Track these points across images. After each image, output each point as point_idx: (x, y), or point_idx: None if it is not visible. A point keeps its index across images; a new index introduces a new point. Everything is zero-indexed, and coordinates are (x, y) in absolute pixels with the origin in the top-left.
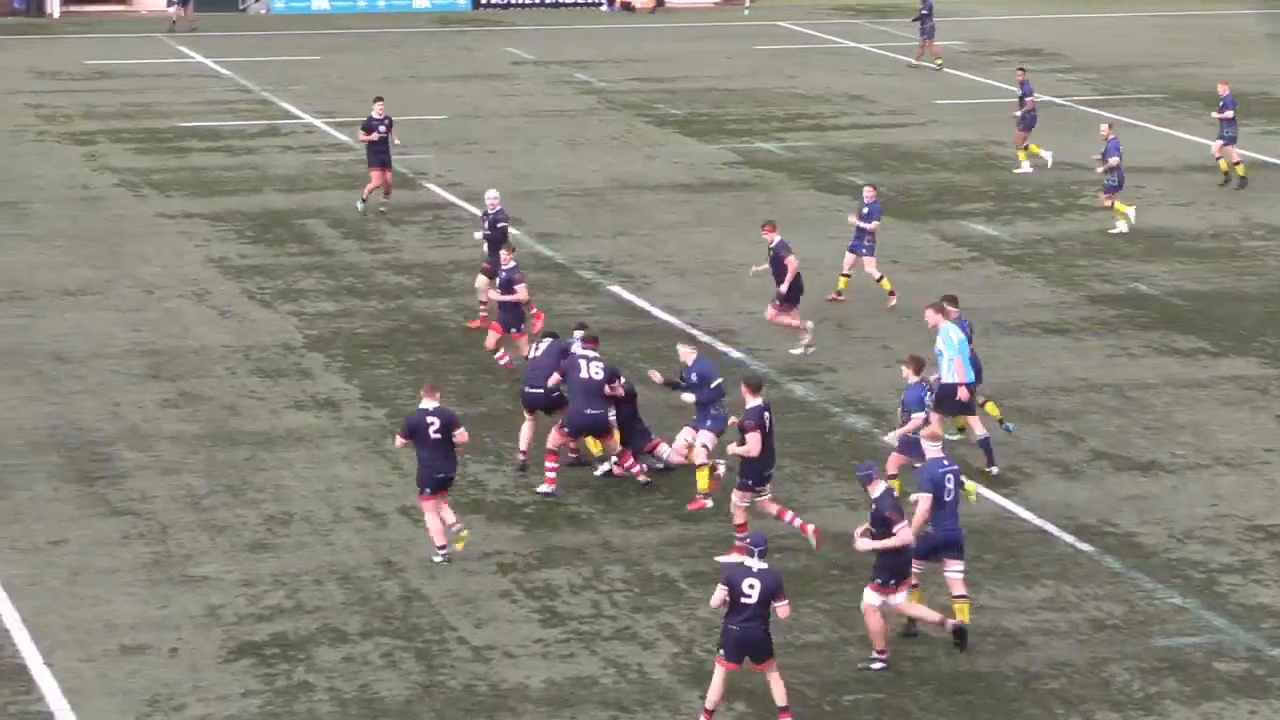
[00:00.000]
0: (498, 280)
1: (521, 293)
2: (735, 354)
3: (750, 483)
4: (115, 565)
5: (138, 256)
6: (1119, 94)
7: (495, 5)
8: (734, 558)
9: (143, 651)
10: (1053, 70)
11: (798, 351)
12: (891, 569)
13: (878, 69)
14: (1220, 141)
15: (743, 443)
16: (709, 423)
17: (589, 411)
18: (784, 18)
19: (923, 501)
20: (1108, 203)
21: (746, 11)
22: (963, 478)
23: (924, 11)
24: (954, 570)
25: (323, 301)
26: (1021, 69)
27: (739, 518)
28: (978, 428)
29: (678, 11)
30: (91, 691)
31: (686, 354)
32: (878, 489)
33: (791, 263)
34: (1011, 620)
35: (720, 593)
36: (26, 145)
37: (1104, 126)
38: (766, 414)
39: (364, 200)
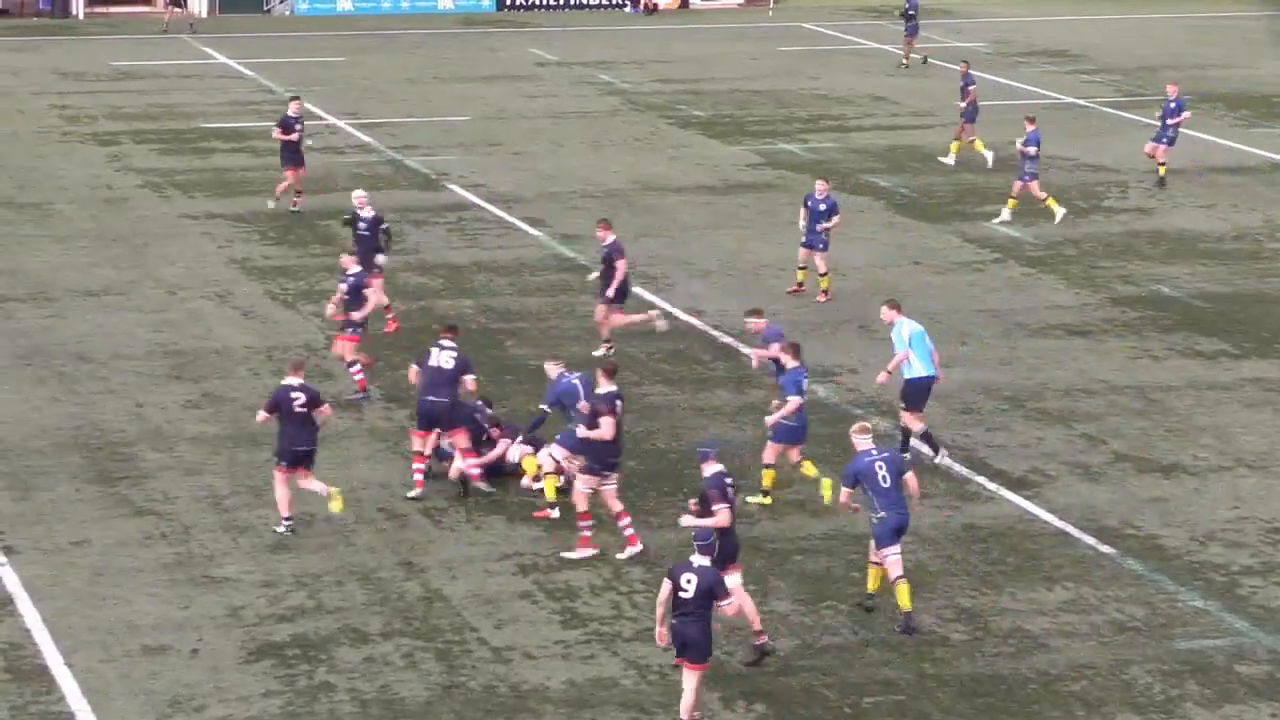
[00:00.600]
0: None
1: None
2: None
3: (597, 467)
4: (137, 566)
5: (161, 257)
6: (1142, 95)
7: (519, 6)
8: (585, 551)
9: (164, 652)
10: (1076, 72)
11: (599, 353)
12: (720, 550)
13: (901, 70)
14: (1154, 143)
15: (594, 426)
16: (562, 436)
17: (429, 399)
18: (808, 19)
19: (842, 494)
20: (1040, 192)
21: (770, 13)
22: (824, 479)
23: (909, 10)
24: (892, 554)
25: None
26: (965, 61)
27: (581, 505)
28: (915, 423)
29: (701, 13)
30: (113, 692)
31: (552, 370)
32: (710, 468)
33: (622, 265)
34: (1032, 622)
35: (665, 588)
36: (51, 146)
37: (1027, 122)
38: (619, 401)
39: (276, 199)
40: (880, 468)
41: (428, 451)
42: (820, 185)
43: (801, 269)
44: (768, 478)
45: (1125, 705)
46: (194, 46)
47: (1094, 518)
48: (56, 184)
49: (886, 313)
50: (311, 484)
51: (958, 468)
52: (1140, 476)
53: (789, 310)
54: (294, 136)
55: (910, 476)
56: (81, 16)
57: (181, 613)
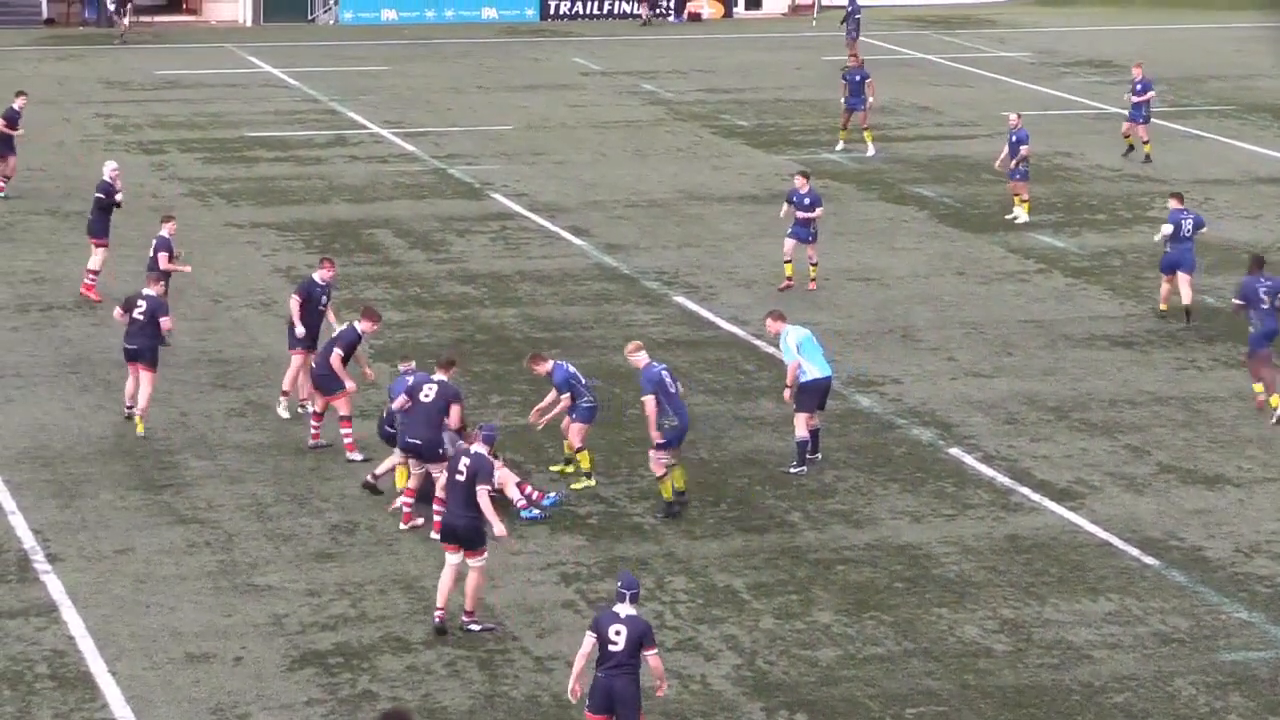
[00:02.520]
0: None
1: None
2: None
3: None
4: (181, 573)
5: (205, 265)
6: (1189, 105)
7: (563, 16)
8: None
9: (207, 660)
10: (1122, 82)
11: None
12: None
13: (945, 80)
14: (1131, 121)
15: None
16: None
17: (409, 438)
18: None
19: (649, 403)
20: (1023, 193)
21: (814, 23)
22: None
23: (849, 10)
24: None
25: (388, 311)
26: (854, 54)
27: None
28: (801, 427)
29: (744, 22)
30: (156, 700)
31: (640, 358)
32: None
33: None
34: (1075, 634)
35: (587, 641)
36: (96, 155)
37: (1012, 116)
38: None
39: None
40: (665, 374)
41: (412, 485)
42: (800, 180)
43: (787, 263)
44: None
45: (1169, 717)
46: (239, 56)
47: (1138, 529)
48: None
49: (771, 325)
50: (143, 389)
51: (1001, 478)
52: (1185, 488)
53: (831, 319)
54: (20, 133)
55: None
56: (127, 26)
57: (225, 620)
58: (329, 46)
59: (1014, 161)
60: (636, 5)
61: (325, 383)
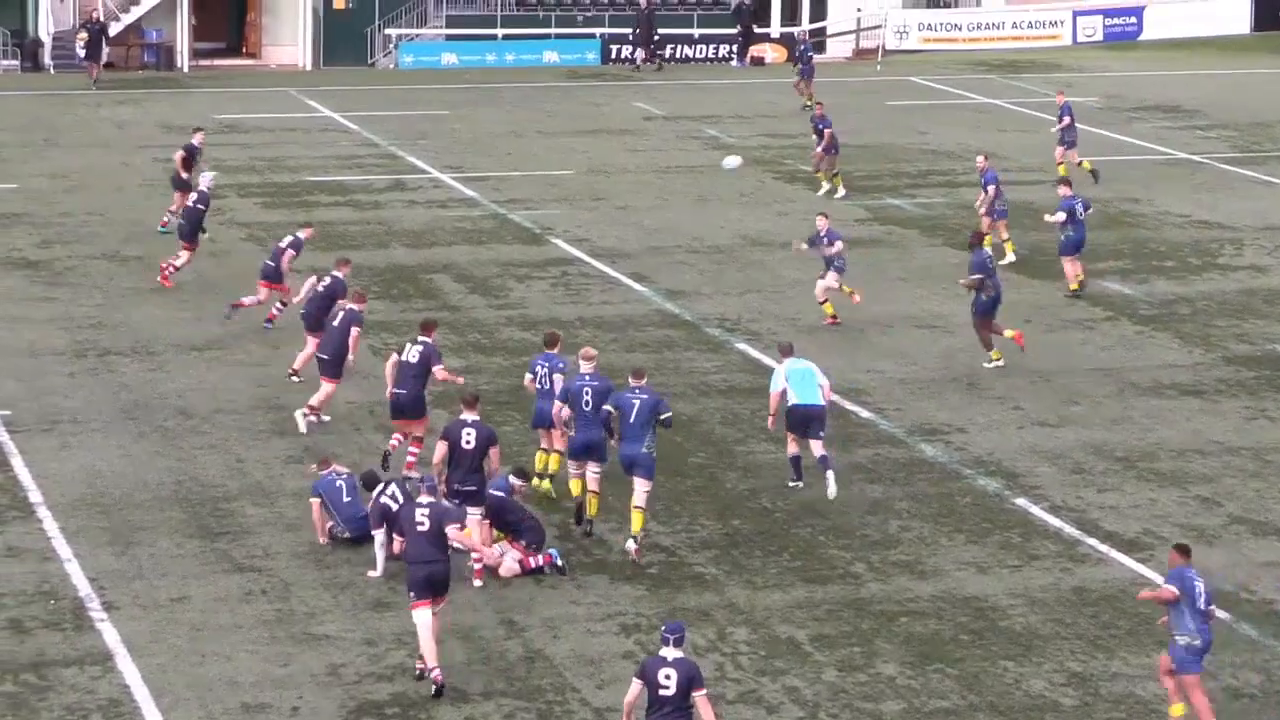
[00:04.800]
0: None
1: None
2: (864, 413)
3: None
4: (237, 622)
5: (263, 312)
6: (1258, 151)
7: (625, 60)
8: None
9: (264, 710)
10: (1191, 127)
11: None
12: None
13: (1011, 125)
14: (1062, 148)
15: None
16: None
17: (397, 391)
18: (916, 73)
19: (565, 410)
20: (1004, 233)
21: (878, 67)
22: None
23: (802, 48)
24: (593, 471)
25: (447, 357)
26: (819, 102)
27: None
28: (791, 445)
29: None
30: None
31: (586, 358)
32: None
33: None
34: (1144, 688)
35: (634, 688)
36: (155, 200)
37: (980, 159)
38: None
39: None
40: (585, 392)
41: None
42: (821, 221)
43: (823, 302)
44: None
45: None
46: (298, 99)
47: (1208, 582)
48: (160, 238)
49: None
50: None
51: (1068, 529)
52: (1256, 540)
53: (896, 367)
54: (188, 173)
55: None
56: (186, 69)
57: (282, 670)
58: (389, 90)
59: (989, 202)
60: (633, 51)
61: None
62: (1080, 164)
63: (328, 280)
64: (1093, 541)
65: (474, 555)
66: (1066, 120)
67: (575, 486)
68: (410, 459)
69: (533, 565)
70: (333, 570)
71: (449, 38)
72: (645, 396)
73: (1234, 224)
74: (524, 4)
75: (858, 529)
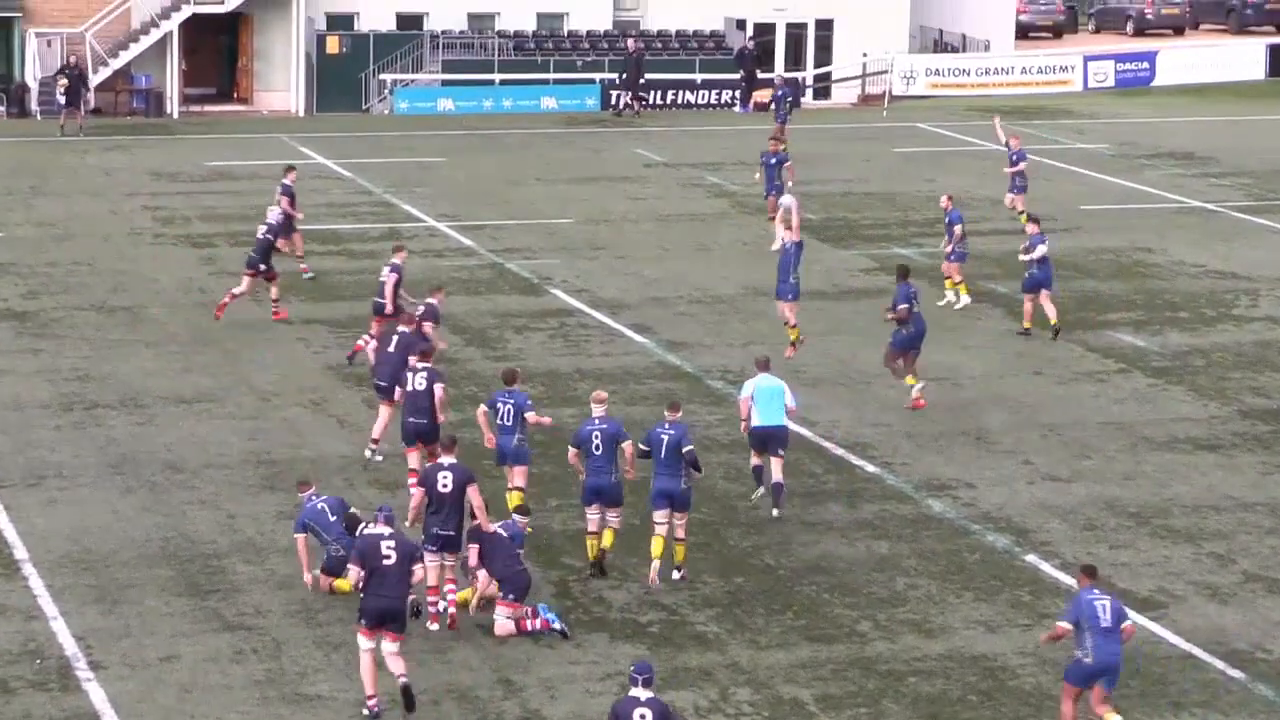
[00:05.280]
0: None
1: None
2: (870, 468)
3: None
4: (227, 682)
5: (254, 363)
6: (1274, 199)
7: (625, 106)
8: None
9: None
10: (1205, 175)
11: None
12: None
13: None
14: (1012, 194)
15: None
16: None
17: (411, 420)
18: (923, 119)
19: (570, 455)
20: (956, 276)
21: (884, 113)
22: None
23: (780, 94)
24: (611, 516)
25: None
26: (775, 139)
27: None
28: (754, 456)
29: (813, 112)
30: None
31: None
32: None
33: None
34: None
35: None
36: (144, 249)
37: (943, 198)
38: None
39: None
40: (595, 436)
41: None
42: (786, 234)
43: (792, 326)
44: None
45: None
46: (291, 146)
47: (1223, 640)
48: (149, 287)
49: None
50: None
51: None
52: (1272, 597)
53: (902, 420)
54: (295, 213)
55: (628, 446)
56: (176, 116)
57: None
58: (383, 137)
59: (950, 243)
60: (621, 97)
61: (422, 431)
62: (1020, 213)
63: (420, 309)
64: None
65: (429, 599)
66: (1021, 165)
67: (590, 547)
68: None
69: (529, 628)
70: (325, 629)
71: (445, 83)
72: (674, 431)
73: (1250, 274)
74: (522, 49)
75: (864, 586)
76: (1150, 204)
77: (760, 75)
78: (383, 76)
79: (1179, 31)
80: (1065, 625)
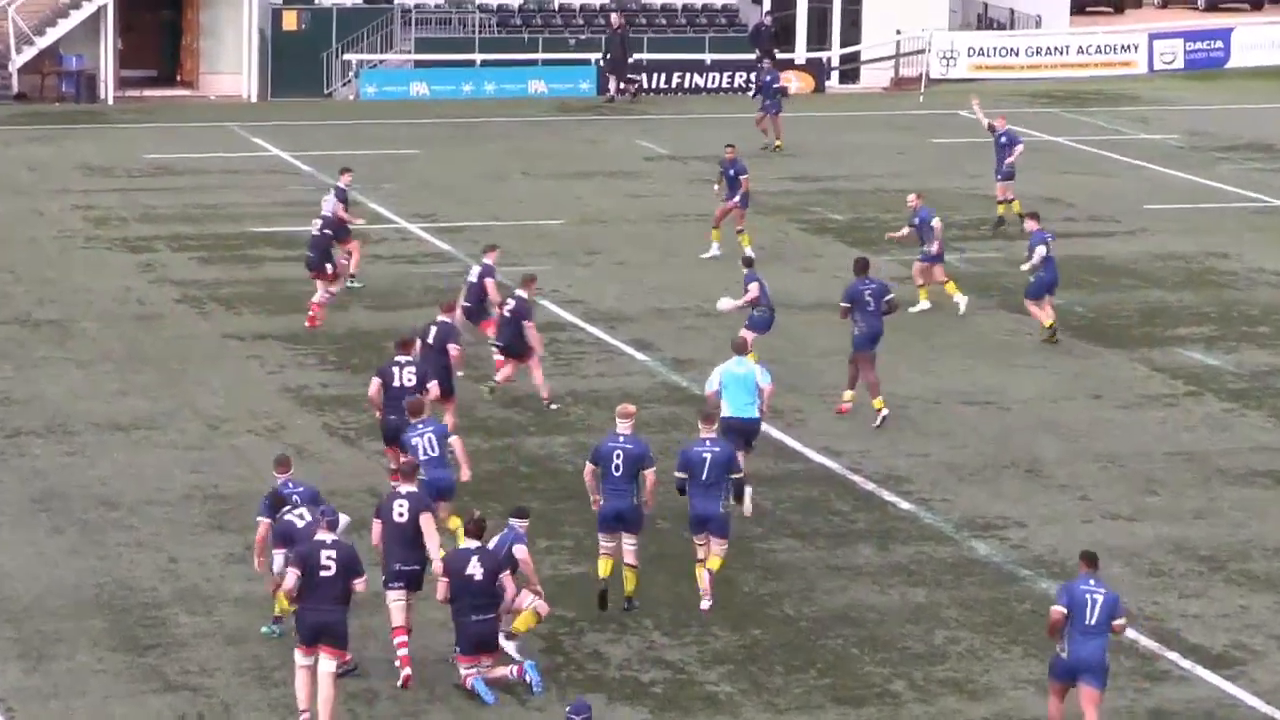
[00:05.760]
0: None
1: None
2: (905, 505)
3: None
4: None
5: (200, 384)
6: None
7: (624, 90)
8: None
9: None
10: None
11: None
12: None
13: (1076, 167)
14: (1002, 183)
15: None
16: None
17: (394, 418)
18: (965, 106)
19: (586, 471)
20: (941, 278)
21: (921, 99)
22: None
23: (766, 79)
24: (628, 543)
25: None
26: (731, 145)
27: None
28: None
29: (838, 98)
30: None
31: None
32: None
33: None
34: None
35: None
36: (74, 254)
37: (911, 196)
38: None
39: None
40: (617, 455)
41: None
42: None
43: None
44: None
45: None
46: (242, 137)
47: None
48: (80, 298)
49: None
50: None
51: (1145, 641)
52: None
53: (942, 450)
54: (347, 217)
55: (650, 475)
56: (111, 102)
57: None
58: (348, 126)
59: (927, 244)
60: (609, 81)
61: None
62: (1011, 202)
63: (512, 304)
64: (1173, 655)
65: (397, 640)
66: (1019, 149)
67: (604, 566)
68: None
69: (505, 675)
70: (281, 689)
71: (418, 64)
72: (718, 449)
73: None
74: (506, 25)
75: (897, 640)
76: (1224, 203)
77: (780, 55)
78: (347, 57)
79: (1256, 6)
80: (1061, 610)
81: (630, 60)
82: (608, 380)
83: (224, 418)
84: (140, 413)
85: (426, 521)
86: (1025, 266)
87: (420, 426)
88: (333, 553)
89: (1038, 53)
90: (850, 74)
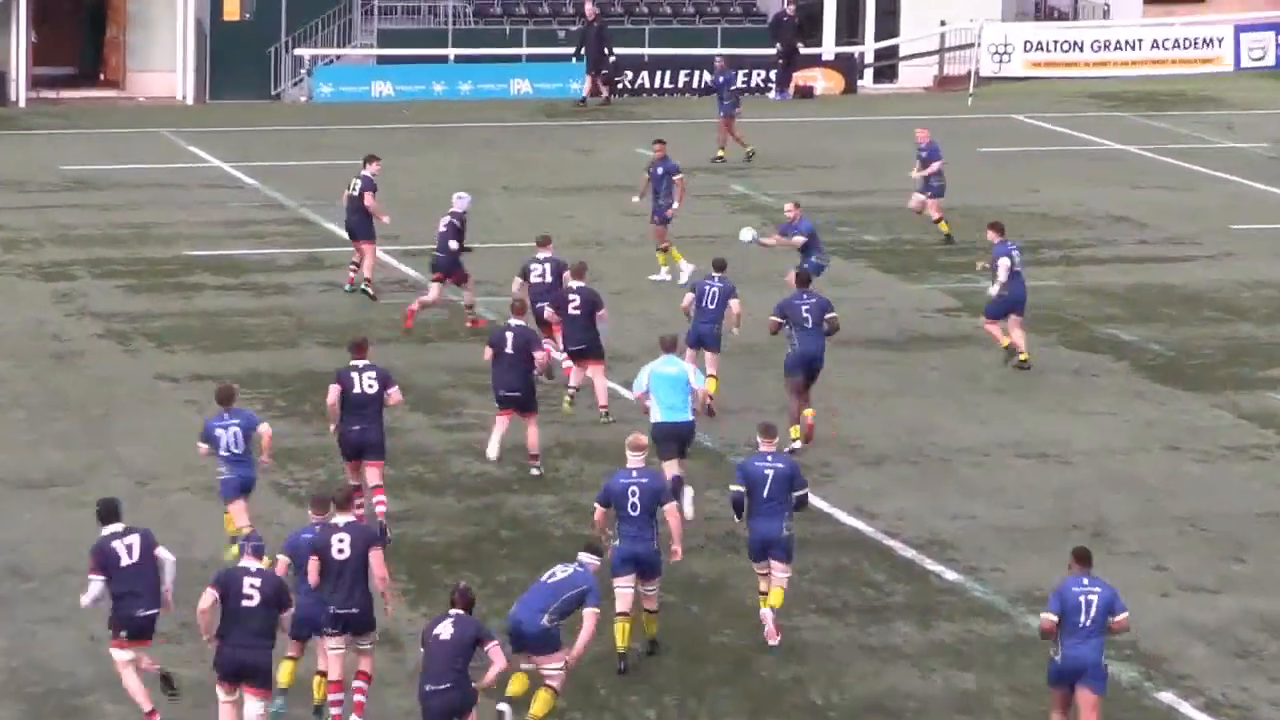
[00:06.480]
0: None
1: None
2: (950, 575)
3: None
4: None
5: (127, 434)
6: None
7: (621, 91)
8: None
9: None
10: None
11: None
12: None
13: (1151, 180)
14: (921, 196)
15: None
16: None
17: (356, 429)
18: (1020, 109)
19: (597, 513)
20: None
21: (969, 101)
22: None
23: (721, 80)
24: (647, 589)
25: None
26: (661, 141)
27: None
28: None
29: (873, 100)
30: None
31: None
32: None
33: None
34: None
35: None
36: None
37: (788, 206)
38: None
39: None
40: (633, 492)
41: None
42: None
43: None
44: None
45: None
46: (176, 145)
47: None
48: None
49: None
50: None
51: None
52: None
53: (992, 510)
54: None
55: (671, 510)
56: (23, 104)
57: None
58: (299, 133)
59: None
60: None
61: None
62: (938, 220)
63: (576, 300)
64: None
65: (331, 699)
66: (935, 166)
67: (621, 634)
68: None
69: None
70: None
71: (382, 60)
72: (781, 465)
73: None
74: (485, 15)
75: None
76: None
77: (804, 50)
78: (299, 51)
79: None
80: (1051, 618)
81: (611, 58)
82: (604, 430)
83: (154, 473)
84: (56, 467)
85: (376, 558)
86: (993, 289)
87: (227, 417)
88: (257, 581)
89: (1105, 47)
90: (886, 72)
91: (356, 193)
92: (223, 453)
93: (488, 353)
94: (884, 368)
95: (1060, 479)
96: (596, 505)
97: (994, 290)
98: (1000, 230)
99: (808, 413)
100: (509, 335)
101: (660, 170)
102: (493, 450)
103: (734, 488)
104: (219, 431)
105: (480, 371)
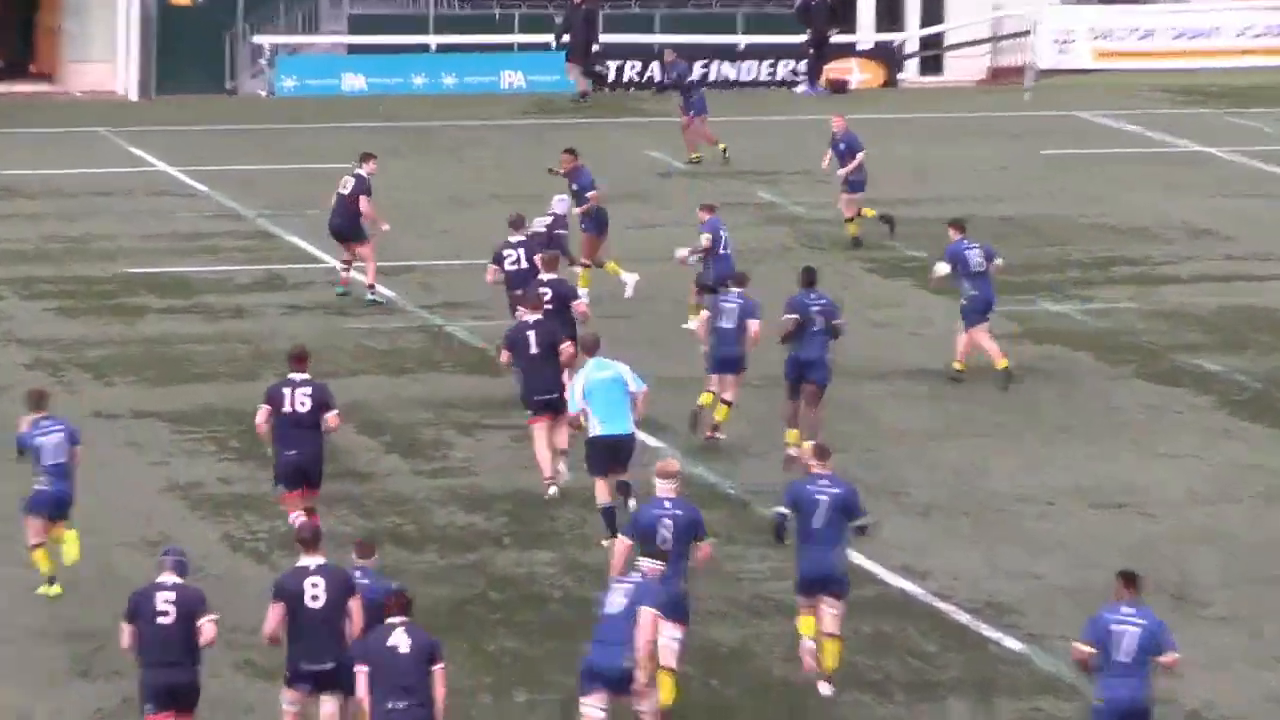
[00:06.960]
0: None
1: None
2: (1011, 642)
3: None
4: None
5: None
6: None
7: (626, 84)
8: None
9: None
10: None
11: None
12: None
13: (1238, 187)
14: (847, 194)
15: None
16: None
17: (294, 453)
18: (1085, 105)
19: (619, 545)
20: (692, 298)
21: (1027, 96)
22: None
23: (674, 75)
24: (672, 637)
25: (348, 553)
26: (570, 151)
27: None
28: (601, 493)
29: (916, 94)
30: None
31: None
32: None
33: None
34: None
35: None
36: None
37: (700, 210)
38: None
39: None
40: (665, 525)
41: None
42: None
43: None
44: None
45: None
46: (117, 146)
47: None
48: None
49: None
50: None
51: None
52: None
53: (1058, 567)
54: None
55: (706, 548)
56: None
57: None
58: (259, 132)
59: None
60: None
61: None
62: (860, 213)
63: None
64: None
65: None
66: (858, 159)
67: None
68: None
69: None
70: None
71: (352, 49)
72: (838, 491)
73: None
74: (472, 0)
75: None
76: None
77: (835, 39)
78: (258, 40)
79: None
80: (1083, 649)
81: (597, 48)
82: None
83: (90, 526)
84: None
85: (355, 607)
86: (941, 269)
87: (47, 424)
88: (171, 596)
89: (1182, 36)
90: (932, 63)
91: (348, 192)
92: (49, 463)
93: (504, 355)
94: (931, 403)
95: (1137, 532)
96: (622, 539)
97: (942, 270)
98: (961, 228)
99: (806, 445)
100: (531, 334)
101: (575, 186)
102: (548, 468)
103: (779, 509)
104: (41, 439)
105: (465, 408)
